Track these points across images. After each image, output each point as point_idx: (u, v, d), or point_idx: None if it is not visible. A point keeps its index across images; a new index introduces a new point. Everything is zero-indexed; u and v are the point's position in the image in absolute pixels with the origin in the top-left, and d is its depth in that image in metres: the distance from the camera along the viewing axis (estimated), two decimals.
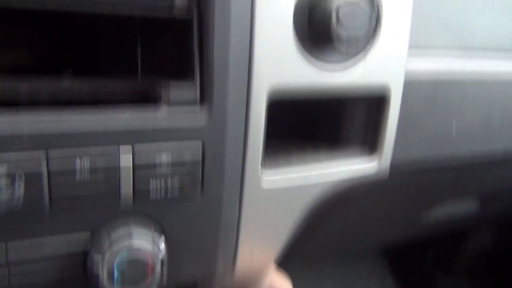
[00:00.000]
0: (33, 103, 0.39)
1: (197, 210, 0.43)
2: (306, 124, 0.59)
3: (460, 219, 1.04)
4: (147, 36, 0.48)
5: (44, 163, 0.35)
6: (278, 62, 0.43)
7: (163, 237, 0.41)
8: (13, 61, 0.54)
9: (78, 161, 0.37)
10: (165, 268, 0.41)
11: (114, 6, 0.38)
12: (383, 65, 0.49)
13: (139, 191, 0.40)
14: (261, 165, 0.46)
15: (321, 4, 0.43)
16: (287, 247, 0.71)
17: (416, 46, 0.54)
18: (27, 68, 0.53)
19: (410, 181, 0.67)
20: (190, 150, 0.41)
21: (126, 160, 0.38)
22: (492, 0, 0.62)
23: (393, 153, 0.54)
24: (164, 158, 0.39)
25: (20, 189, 0.35)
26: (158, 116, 0.39)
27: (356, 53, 0.47)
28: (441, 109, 0.56)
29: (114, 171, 0.38)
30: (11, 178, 0.34)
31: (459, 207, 0.98)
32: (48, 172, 0.36)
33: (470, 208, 1.00)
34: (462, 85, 0.56)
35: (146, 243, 0.40)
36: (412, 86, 0.53)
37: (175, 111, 0.40)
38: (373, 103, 0.52)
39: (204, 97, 0.41)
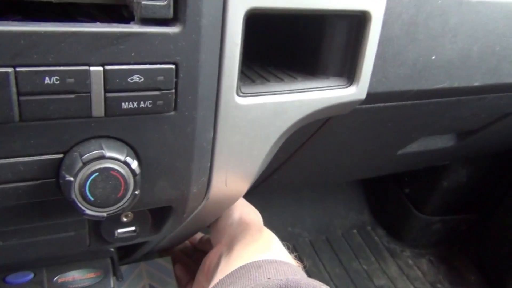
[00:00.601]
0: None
1: (170, 129, 0.42)
2: (284, 50, 0.58)
3: (435, 154, 1.06)
4: None
5: (12, 77, 0.34)
6: None
7: (135, 158, 0.41)
8: None
9: (47, 79, 0.35)
10: (138, 188, 0.41)
11: None
12: None
13: (110, 112, 0.39)
14: (237, 88, 0.45)
15: None
16: (263, 176, 0.72)
17: None
18: None
19: (386, 112, 0.67)
20: (163, 72, 0.39)
21: (97, 82, 0.37)
22: None
23: (371, 83, 0.54)
24: (136, 80, 0.38)
25: None
26: (129, 32, 0.37)
27: None
28: (422, 38, 0.55)
29: (84, 89, 0.37)
30: None
31: (435, 142, 1.00)
32: (17, 86, 0.34)
33: (446, 142, 1.02)
34: (444, 10, 0.55)
35: (118, 164, 0.39)
36: (393, 9, 0.52)
37: (147, 30, 0.38)
38: (353, 27, 0.50)
39: (178, 11, 0.39)
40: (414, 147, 0.97)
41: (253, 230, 0.60)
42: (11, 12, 0.42)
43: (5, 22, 0.34)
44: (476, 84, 0.64)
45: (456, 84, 0.62)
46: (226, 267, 0.52)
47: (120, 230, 0.51)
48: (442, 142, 1.01)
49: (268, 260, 0.50)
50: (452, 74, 0.61)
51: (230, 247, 0.57)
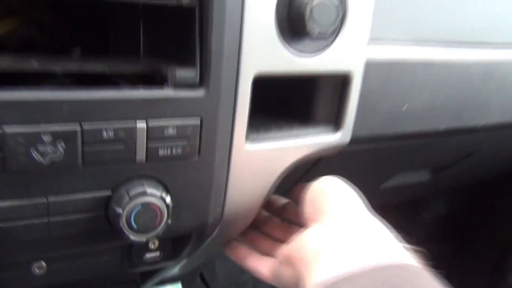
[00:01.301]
0: (64, 82, 0.48)
1: (194, 171, 0.53)
2: (283, 103, 0.69)
3: (414, 187, 1.17)
4: (150, 21, 0.57)
5: (79, 133, 0.44)
6: (262, 49, 0.52)
7: (168, 194, 0.51)
8: (25, 39, 0.62)
9: (104, 134, 0.46)
10: (170, 218, 0.51)
11: None
12: (347, 52, 0.59)
13: (150, 158, 0.49)
14: (246, 136, 0.56)
15: (297, 2, 0.52)
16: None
17: (376, 38, 0.64)
18: (38, 46, 0.62)
19: (368, 152, 0.78)
20: (191, 124, 0.50)
21: (141, 135, 0.48)
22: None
23: (354, 129, 0.65)
24: (171, 130, 0.49)
25: (61, 147, 0.44)
26: (166, 96, 0.48)
27: (326, 43, 0.57)
28: (394, 91, 0.67)
29: (132, 141, 0.47)
30: (55, 140, 0.43)
31: (413, 177, 1.11)
32: (82, 140, 0.45)
33: (423, 177, 1.13)
34: (412, 69, 0.67)
35: (156, 198, 0.49)
36: (370, 70, 0.63)
37: (180, 94, 0.49)
38: (338, 85, 0.62)
39: (203, 79, 0.50)
40: (395, 181, 1.08)
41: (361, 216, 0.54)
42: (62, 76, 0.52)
43: (73, 91, 0.45)
44: (442, 127, 0.76)
45: (425, 128, 0.74)
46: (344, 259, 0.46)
47: (148, 255, 0.61)
48: (420, 176, 1.13)
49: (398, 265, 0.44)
50: (421, 120, 0.73)
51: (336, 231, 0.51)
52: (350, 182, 0.60)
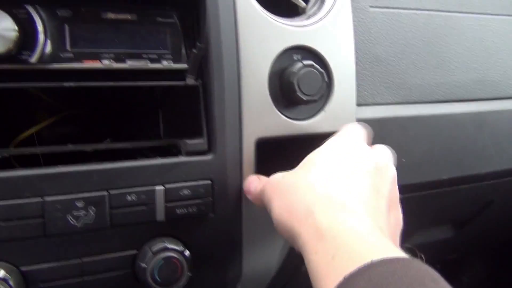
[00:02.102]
0: (94, 158, 0.57)
1: (210, 227, 0.59)
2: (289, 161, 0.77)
3: (441, 245, 1.18)
4: (165, 104, 0.67)
5: (107, 198, 0.52)
6: (260, 117, 0.61)
7: (187, 249, 0.57)
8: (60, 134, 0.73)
9: (128, 197, 0.54)
10: (189, 271, 0.57)
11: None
12: (338, 114, 0.67)
13: (169, 217, 0.56)
14: None
15: (285, 75, 0.61)
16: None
17: (365, 103, 0.72)
18: (72, 135, 0.72)
19: None
20: (203, 186, 0.58)
21: (160, 197, 0.55)
22: (425, 60, 0.80)
23: None
24: (186, 192, 0.56)
25: (92, 211, 0.52)
26: (180, 162, 0.56)
27: (318, 107, 0.66)
28: (387, 144, 0.73)
29: (152, 203, 0.55)
30: (87, 206, 0.51)
31: (436, 233, 1.13)
32: (110, 204, 0.53)
33: (447, 234, 1.15)
34: (403, 124, 0.74)
35: (176, 253, 0.56)
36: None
37: (191, 160, 0.57)
38: None
39: (210, 148, 0.58)
40: (417, 239, 1.10)
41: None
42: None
43: (101, 164, 0.53)
44: (445, 177, 0.81)
45: (427, 179, 0.79)
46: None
47: None
48: (443, 233, 1.14)
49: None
50: (421, 171, 0.78)
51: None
52: None
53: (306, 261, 0.45)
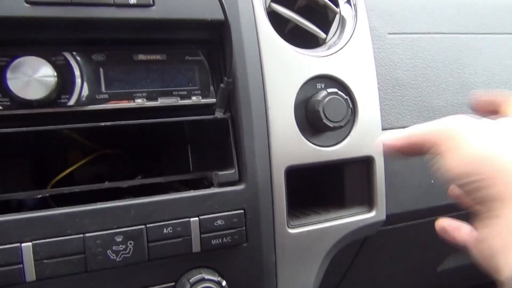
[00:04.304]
0: (127, 195, 0.59)
1: (244, 256, 0.60)
2: (319, 190, 0.77)
3: (477, 269, 1.15)
4: (195, 141, 0.69)
5: (144, 231, 0.54)
6: (288, 146, 0.62)
7: (224, 279, 0.58)
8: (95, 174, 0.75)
9: (165, 230, 0.55)
10: None
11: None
12: (365, 139, 0.68)
13: (204, 248, 0.57)
14: (287, 223, 0.63)
15: (311, 104, 0.63)
16: None
17: (389, 127, 0.73)
18: (103, 173, 0.75)
19: (409, 232, 0.83)
20: (236, 216, 0.59)
21: (195, 228, 0.57)
22: (447, 82, 0.82)
23: (387, 206, 0.71)
24: (219, 222, 0.58)
25: (130, 245, 0.53)
26: (213, 193, 0.58)
27: (344, 133, 0.67)
28: (418, 167, 0.74)
29: (187, 234, 0.56)
30: (125, 240, 0.53)
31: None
32: (147, 237, 0.54)
33: None
34: None
35: (213, 283, 0.57)
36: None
37: (224, 190, 0.59)
38: (364, 168, 0.70)
39: (241, 178, 0.60)
40: (452, 262, 1.08)
41: None
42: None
43: (138, 199, 0.55)
44: None
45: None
46: None
47: None
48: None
49: None
50: None
51: None
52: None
53: None
